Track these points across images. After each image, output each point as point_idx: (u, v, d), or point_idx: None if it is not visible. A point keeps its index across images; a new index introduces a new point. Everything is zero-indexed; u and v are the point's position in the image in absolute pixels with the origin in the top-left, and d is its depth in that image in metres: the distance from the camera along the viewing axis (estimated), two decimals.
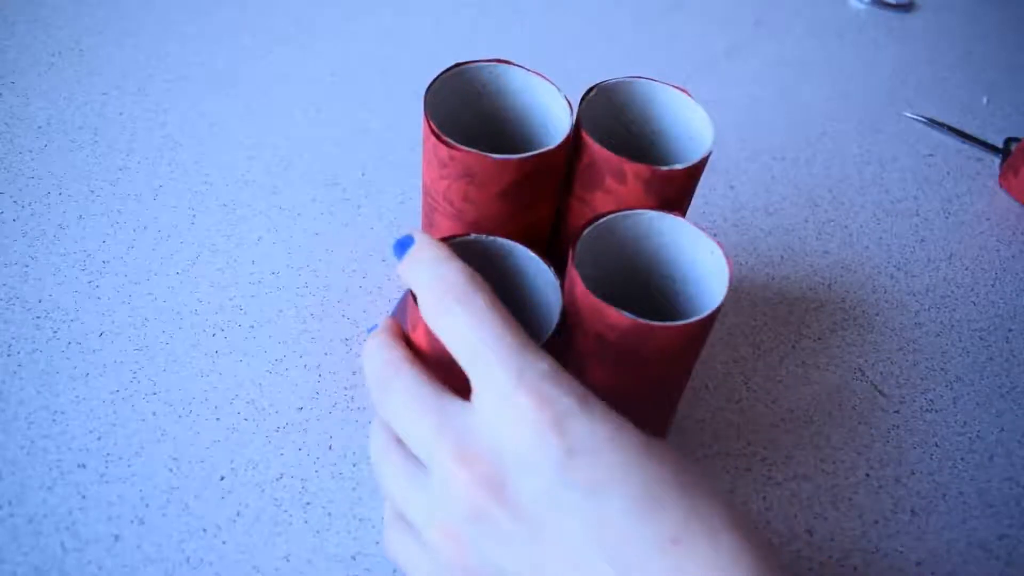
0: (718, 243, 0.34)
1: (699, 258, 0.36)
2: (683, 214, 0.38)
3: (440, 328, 0.27)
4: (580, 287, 0.33)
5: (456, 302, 0.27)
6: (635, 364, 0.34)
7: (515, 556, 0.25)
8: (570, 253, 0.34)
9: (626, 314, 0.32)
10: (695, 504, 0.25)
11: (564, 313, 0.33)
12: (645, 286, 0.39)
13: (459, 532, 0.26)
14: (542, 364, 0.26)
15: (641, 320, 0.32)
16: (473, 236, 0.34)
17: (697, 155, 0.38)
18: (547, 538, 0.25)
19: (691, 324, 0.32)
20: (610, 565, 0.24)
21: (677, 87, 0.39)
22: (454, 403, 0.27)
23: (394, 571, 0.38)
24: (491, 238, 0.34)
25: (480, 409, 0.26)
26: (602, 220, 0.35)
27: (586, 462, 0.25)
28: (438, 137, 0.35)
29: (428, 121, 0.36)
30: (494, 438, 0.26)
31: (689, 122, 0.39)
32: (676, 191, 0.36)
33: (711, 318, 0.33)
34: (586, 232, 0.35)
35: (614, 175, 0.36)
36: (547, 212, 0.39)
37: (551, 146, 0.35)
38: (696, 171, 0.36)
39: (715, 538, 0.25)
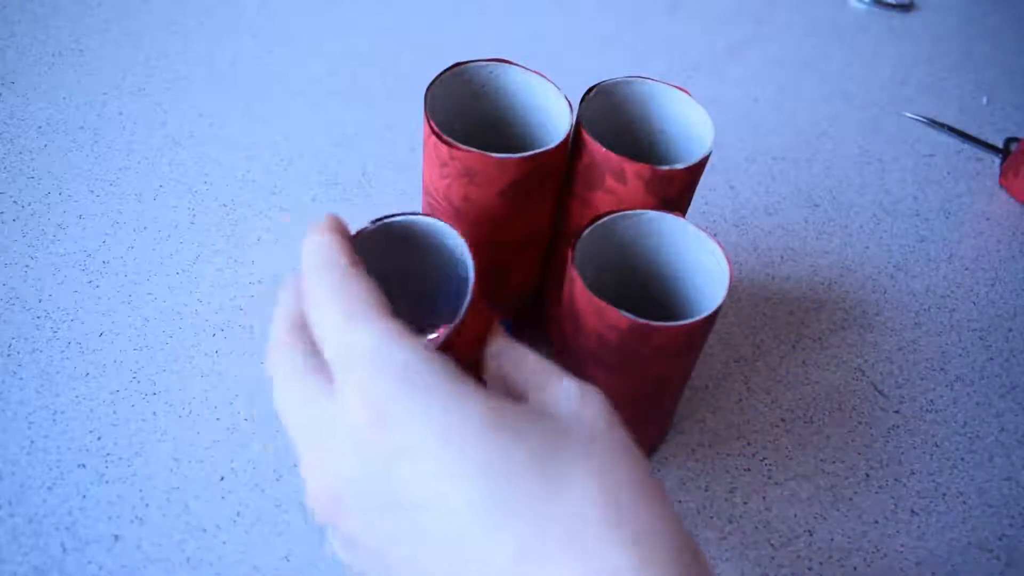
0: (718, 243, 0.34)
1: (699, 258, 0.36)
2: (683, 214, 0.38)
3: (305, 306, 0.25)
4: (580, 287, 0.33)
5: (309, 276, 0.25)
6: (635, 364, 0.34)
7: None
8: (570, 253, 0.34)
9: (626, 314, 0.32)
10: (564, 503, 0.21)
11: (564, 326, 0.32)
12: (645, 286, 0.39)
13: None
14: (362, 336, 0.23)
15: (641, 320, 0.32)
16: (385, 220, 0.32)
17: (697, 155, 0.37)
18: (389, 562, 0.23)
19: (691, 324, 0.32)
20: None
21: (677, 87, 0.39)
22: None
23: None
24: (405, 219, 0.32)
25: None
26: (602, 220, 0.35)
27: (409, 470, 0.21)
28: (439, 137, 0.35)
29: (428, 121, 0.36)
30: (335, 440, 0.23)
31: (689, 122, 0.39)
32: (676, 191, 0.36)
33: (711, 318, 0.33)
34: (586, 232, 0.35)
35: (614, 175, 0.36)
36: (547, 212, 0.39)
37: (551, 145, 0.35)
38: (696, 171, 0.36)
39: (583, 552, 0.20)
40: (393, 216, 0.32)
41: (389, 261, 0.33)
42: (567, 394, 0.24)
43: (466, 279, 0.31)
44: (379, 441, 0.22)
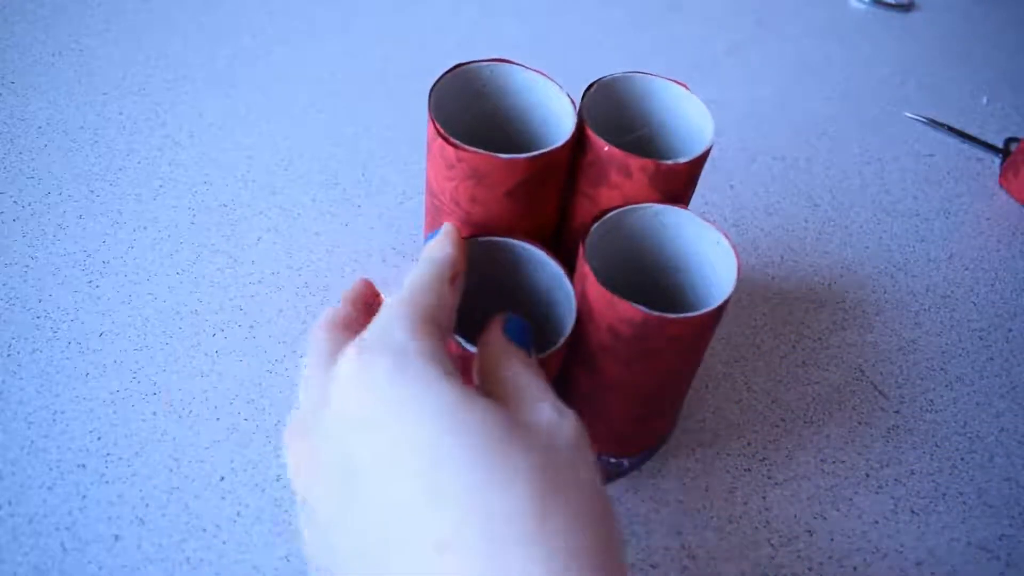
0: (724, 233, 0.34)
1: (705, 249, 0.36)
2: (686, 207, 0.38)
3: None
4: (593, 282, 0.33)
5: (413, 273, 0.28)
6: (647, 357, 0.34)
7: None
8: (580, 248, 0.34)
9: (639, 307, 0.32)
10: (495, 501, 0.21)
11: (577, 322, 0.33)
12: (652, 279, 0.39)
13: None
14: (394, 328, 0.25)
15: (655, 313, 0.32)
16: (495, 238, 0.34)
17: (697, 149, 0.37)
18: (335, 532, 0.24)
19: (703, 315, 0.32)
20: (363, 560, 0.22)
21: (676, 81, 0.39)
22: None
23: None
24: (514, 241, 0.35)
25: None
26: (609, 215, 0.35)
27: (367, 439, 0.22)
28: (445, 139, 0.35)
29: (434, 122, 0.35)
30: (317, 402, 0.25)
31: (689, 116, 0.39)
32: (680, 185, 0.36)
33: (722, 308, 0.33)
34: (595, 227, 0.35)
35: (619, 170, 0.36)
36: (553, 210, 0.39)
37: (555, 144, 0.35)
38: (698, 164, 0.36)
39: (499, 552, 0.20)
40: (493, 237, 0.35)
41: (478, 277, 0.35)
42: (548, 416, 0.25)
43: (568, 294, 0.34)
44: (352, 406, 0.23)
